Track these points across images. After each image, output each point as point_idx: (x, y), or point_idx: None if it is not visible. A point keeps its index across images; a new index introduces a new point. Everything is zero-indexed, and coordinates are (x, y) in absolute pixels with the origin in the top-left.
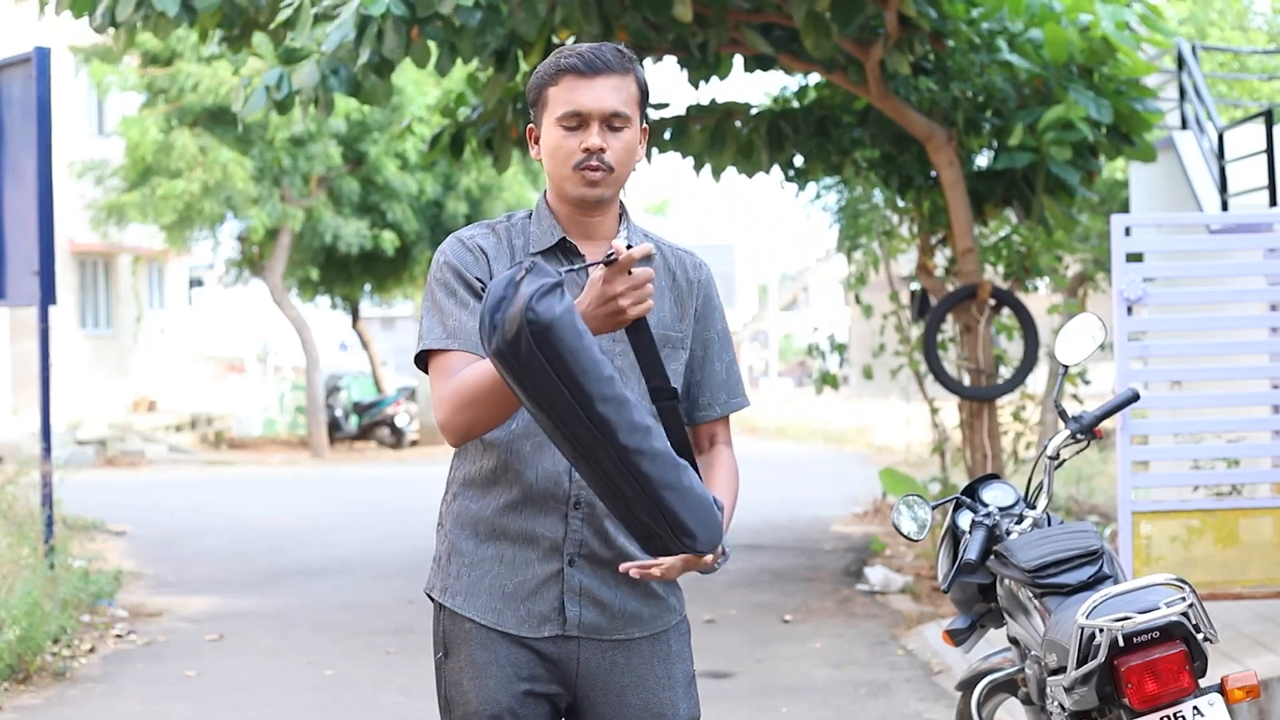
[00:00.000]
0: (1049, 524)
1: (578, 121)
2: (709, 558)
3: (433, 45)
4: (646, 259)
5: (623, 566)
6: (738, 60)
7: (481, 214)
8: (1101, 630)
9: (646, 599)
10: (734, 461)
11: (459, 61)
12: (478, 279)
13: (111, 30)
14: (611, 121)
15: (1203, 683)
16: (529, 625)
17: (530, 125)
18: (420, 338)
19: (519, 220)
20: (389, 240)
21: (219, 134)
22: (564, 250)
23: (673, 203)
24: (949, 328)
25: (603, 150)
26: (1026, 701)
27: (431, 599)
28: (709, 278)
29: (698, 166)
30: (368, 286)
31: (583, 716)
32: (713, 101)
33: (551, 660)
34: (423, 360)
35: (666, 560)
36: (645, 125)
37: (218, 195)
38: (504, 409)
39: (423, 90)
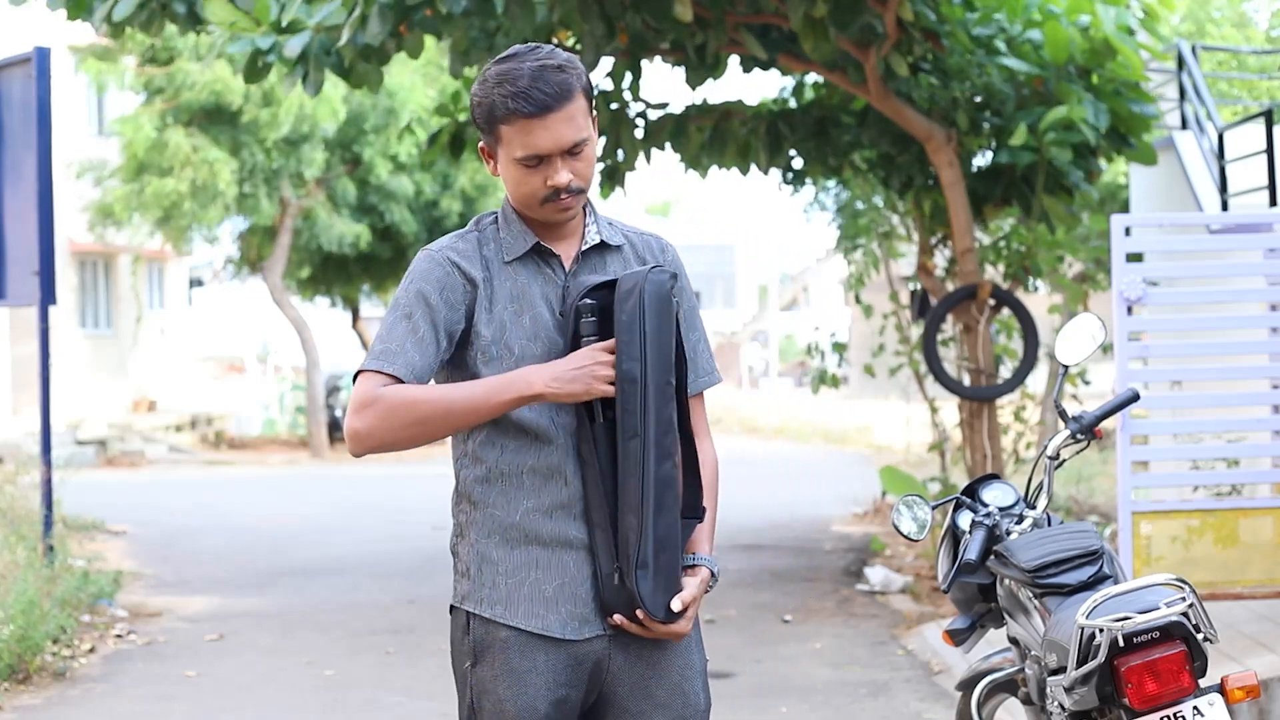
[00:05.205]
0: (1049, 524)
1: (538, 161)
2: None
3: (430, 42)
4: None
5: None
6: (735, 60)
7: (476, 212)
8: (1101, 630)
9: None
10: (713, 458)
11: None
12: (444, 304)
13: (107, 27)
14: (571, 149)
15: (1203, 683)
16: (572, 628)
17: (482, 145)
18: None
19: (487, 227)
20: (380, 227)
21: (213, 134)
22: (539, 254)
23: (674, 203)
24: (949, 328)
25: (570, 181)
26: (1026, 701)
27: (463, 610)
28: (675, 259)
29: (695, 167)
30: (366, 287)
31: (606, 712)
32: (704, 101)
33: (588, 662)
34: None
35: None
36: (594, 114)
37: (203, 195)
38: (443, 431)
39: (416, 94)
